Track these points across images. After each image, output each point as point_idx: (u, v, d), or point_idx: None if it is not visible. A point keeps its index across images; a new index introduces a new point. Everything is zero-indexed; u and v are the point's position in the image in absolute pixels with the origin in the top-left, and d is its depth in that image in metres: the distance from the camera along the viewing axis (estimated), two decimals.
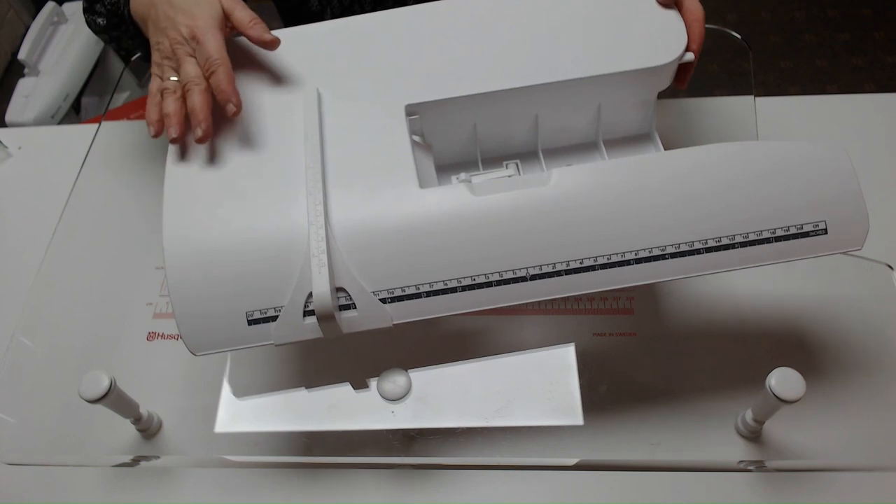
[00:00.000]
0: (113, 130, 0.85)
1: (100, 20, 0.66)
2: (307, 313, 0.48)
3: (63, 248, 0.69)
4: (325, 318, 0.47)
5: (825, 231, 0.49)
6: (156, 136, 0.54)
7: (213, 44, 0.53)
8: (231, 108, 0.53)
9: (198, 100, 0.52)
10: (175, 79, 0.54)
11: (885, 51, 1.85)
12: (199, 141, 0.52)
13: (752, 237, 0.49)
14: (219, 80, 0.52)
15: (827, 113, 0.82)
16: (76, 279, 0.73)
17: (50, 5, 1.56)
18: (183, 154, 0.54)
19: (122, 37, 0.67)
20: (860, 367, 0.61)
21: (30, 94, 1.48)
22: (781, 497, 0.57)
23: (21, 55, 1.49)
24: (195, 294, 0.49)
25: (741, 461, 0.57)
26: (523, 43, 0.58)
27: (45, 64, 1.53)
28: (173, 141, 0.53)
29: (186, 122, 0.54)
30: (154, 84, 0.56)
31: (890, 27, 1.90)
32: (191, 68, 0.53)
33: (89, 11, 0.67)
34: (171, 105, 0.53)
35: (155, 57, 0.56)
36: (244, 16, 0.56)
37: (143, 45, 0.63)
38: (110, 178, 0.81)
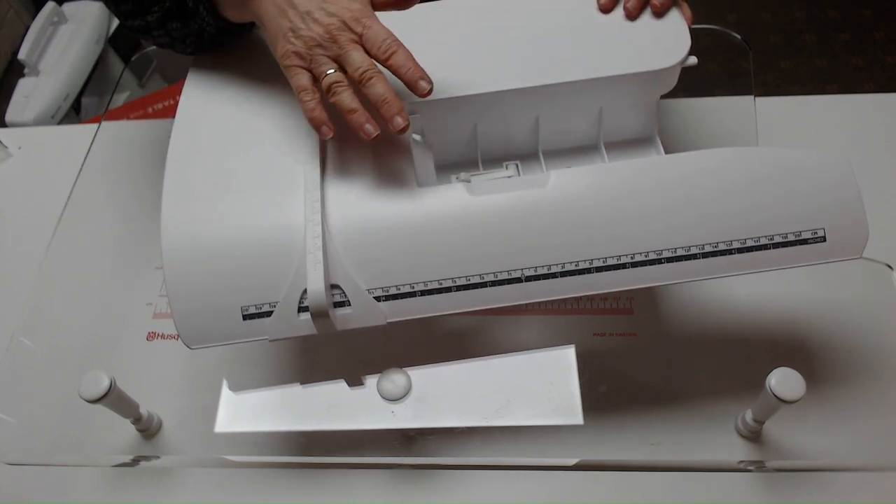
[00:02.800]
0: (113, 130, 0.85)
1: (154, 12, 0.57)
2: (302, 309, 0.48)
3: (63, 249, 0.69)
4: (320, 315, 0.47)
5: (824, 239, 0.49)
6: (331, 136, 0.50)
7: (381, 26, 0.49)
8: (424, 85, 0.48)
9: (384, 88, 0.48)
10: (333, 70, 0.49)
11: (885, 51, 1.85)
12: (401, 131, 0.48)
13: (749, 243, 0.49)
14: (403, 58, 0.48)
15: (827, 113, 0.82)
16: (76, 279, 0.73)
17: (50, 5, 1.56)
18: (183, 149, 0.54)
19: (183, 26, 0.58)
20: (860, 368, 0.61)
21: (30, 94, 1.48)
22: (781, 497, 0.57)
23: (21, 55, 1.49)
24: (191, 287, 0.49)
25: (741, 461, 0.57)
26: (525, 44, 0.58)
27: (45, 64, 1.53)
28: (375, 139, 0.48)
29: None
30: (302, 79, 0.50)
31: (890, 27, 1.89)
32: (360, 56, 0.48)
33: (135, 15, 0.58)
34: (350, 100, 0.48)
35: (293, 45, 0.50)
36: None
37: (203, 34, 0.57)
38: (110, 178, 0.81)
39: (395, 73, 0.49)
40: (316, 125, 0.49)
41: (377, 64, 0.49)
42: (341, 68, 0.49)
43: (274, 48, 0.52)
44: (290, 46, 0.50)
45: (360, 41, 0.49)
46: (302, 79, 0.50)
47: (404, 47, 0.49)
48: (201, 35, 0.58)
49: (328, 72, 0.49)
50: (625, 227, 0.49)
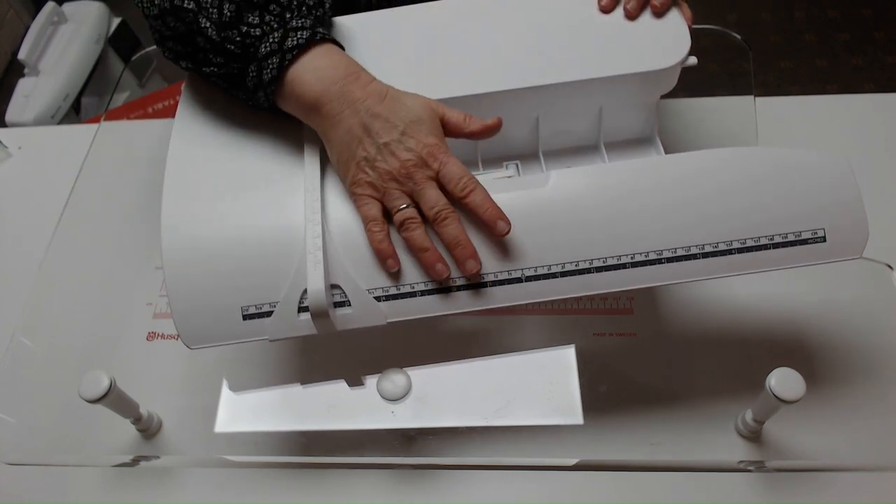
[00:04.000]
0: (113, 130, 0.85)
1: (207, 69, 0.54)
2: (302, 309, 0.48)
3: (63, 249, 0.69)
4: (320, 315, 0.47)
5: (824, 239, 0.49)
6: (397, 269, 0.49)
7: (457, 163, 0.49)
8: (503, 226, 0.47)
9: (459, 229, 0.48)
10: (406, 206, 0.49)
11: (885, 51, 1.85)
12: (473, 276, 0.48)
13: (749, 243, 0.49)
14: (481, 198, 0.48)
15: (827, 113, 0.81)
16: (76, 279, 0.73)
17: (50, 5, 1.56)
18: (183, 150, 0.54)
19: (230, 87, 0.55)
20: (860, 367, 0.61)
21: (30, 94, 1.48)
22: (781, 497, 0.57)
23: (21, 55, 1.49)
24: (191, 287, 0.49)
25: (741, 461, 0.57)
26: (525, 44, 0.58)
27: (45, 64, 1.53)
28: (446, 280, 0.48)
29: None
30: (373, 209, 0.49)
31: (890, 27, 1.89)
32: (435, 194, 0.48)
33: (191, 62, 0.54)
34: (423, 238, 0.48)
35: (366, 175, 0.49)
36: (457, 115, 0.51)
37: (245, 101, 0.54)
38: (110, 178, 0.81)
39: (472, 212, 0.48)
40: (382, 257, 0.49)
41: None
42: (414, 203, 0.49)
43: (342, 171, 0.51)
44: (363, 176, 0.49)
45: (436, 177, 0.49)
46: (373, 209, 0.49)
47: (481, 186, 0.49)
48: (246, 102, 0.55)
49: (402, 207, 0.49)
50: (625, 228, 0.49)
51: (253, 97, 0.53)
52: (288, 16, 0.52)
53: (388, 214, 0.50)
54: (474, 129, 0.51)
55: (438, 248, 0.49)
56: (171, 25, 0.53)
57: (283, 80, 0.51)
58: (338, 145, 0.51)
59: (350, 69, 0.51)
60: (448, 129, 0.51)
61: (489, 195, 0.48)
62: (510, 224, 0.48)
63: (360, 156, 0.49)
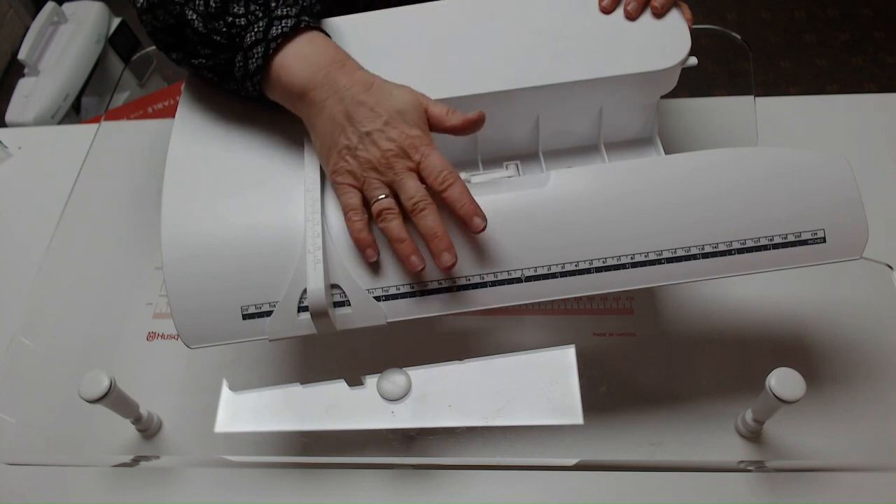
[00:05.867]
0: (113, 130, 0.85)
1: (195, 61, 0.54)
2: (301, 309, 0.48)
3: (63, 248, 0.69)
4: (319, 315, 0.47)
5: (823, 240, 0.49)
6: (376, 258, 0.49)
7: (439, 156, 0.48)
8: (478, 222, 0.47)
9: (436, 221, 0.47)
10: (384, 196, 0.48)
11: (885, 51, 1.85)
12: (448, 269, 0.47)
13: (749, 244, 0.49)
14: (459, 192, 0.47)
15: (827, 113, 0.82)
16: (76, 279, 0.73)
17: (50, 5, 1.56)
18: (183, 149, 0.54)
19: (222, 81, 0.55)
20: (860, 368, 0.61)
21: (30, 94, 1.48)
22: (781, 497, 0.57)
23: (21, 55, 1.49)
24: (191, 287, 0.49)
25: (741, 461, 0.57)
26: (526, 44, 0.58)
27: (45, 64, 1.53)
28: (420, 272, 0.48)
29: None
30: (353, 198, 0.49)
31: (890, 27, 1.90)
32: (414, 185, 0.48)
33: (181, 62, 0.55)
34: (399, 229, 0.47)
35: (347, 164, 0.49)
36: (440, 108, 0.51)
37: (234, 90, 0.55)
38: (110, 178, 0.81)
39: (449, 206, 0.48)
40: (361, 246, 0.48)
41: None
42: (393, 194, 0.49)
43: (323, 159, 0.51)
44: (344, 164, 0.49)
45: (417, 169, 0.48)
46: (352, 198, 0.49)
47: (461, 181, 0.48)
48: (238, 94, 0.56)
49: (380, 197, 0.48)
50: (625, 228, 0.49)
51: (242, 87, 0.53)
52: (273, 5, 0.52)
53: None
54: (455, 124, 0.50)
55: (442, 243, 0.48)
56: (160, 18, 0.53)
57: (270, 69, 0.51)
58: (321, 133, 0.50)
59: (336, 56, 0.51)
60: (431, 123, 0.51)
61: (468, 191, 0.48)
62: (486, 221, 0.47)
63: (342, 144, 0.49)
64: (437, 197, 0.48)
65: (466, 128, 0.51)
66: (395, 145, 0.48)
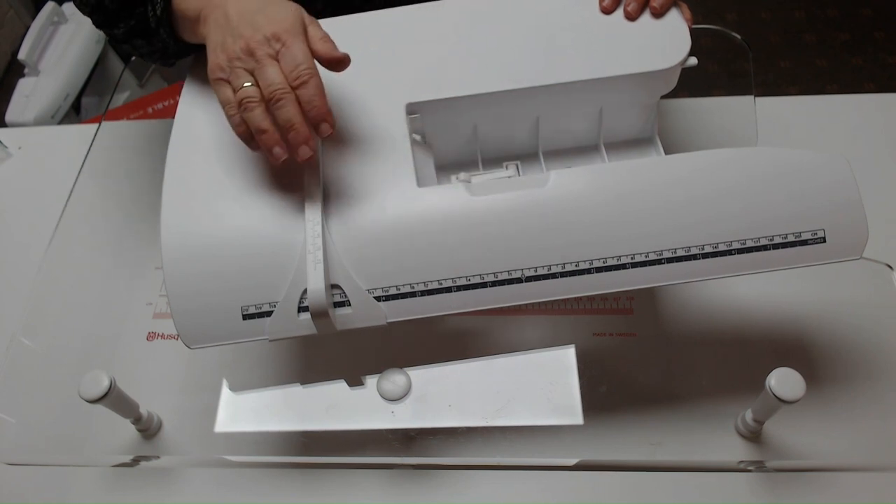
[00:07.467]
0: (113, 130, 0.85)
1: (120, 28, 0.58)
2: (302, 309, 0.48)
3: (63, 248, 0.69)
4: (320, 315, 0.47)
5: (823, 240, 0.49)
6: (257, 150, 0.48)
7: (302, 49, 0.46)
8: (326, 128, 0.46)
9: (293, 112, 0.45)
10: (249, 84, 0.46)
11: (885, 51, 1.85)
12: (306, 161, 0.46)
13: (749, 244, 0.49)
14: (311, 93, 0.45)
15: (827, 113, 0.82)
16: (76, 279, 0.73)
17: (50, 5, 1.56)
18: (183, 149, 0.54)
19: (147, 43, 0.58)
20: (860, 368, 0.61)
21: (30, 94, 1.48)
22: (781, 497, 0.57)
23: (21, 55, 1.49)
24: (191, 287, 0.49)
25: (741, 461, 0.57)
26: (526, 44, 0.58)
27: (45, 64, 1.53)
28: (281, 163, 0.46)
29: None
30: (226, 92, 0.47)
31: (890, 27, 1.89)
32: (273, 72, 0.46)
33: (103, 27, 0.60)
34: (261, 118, 0.45)
35: (218, 58, 0.48)
36: (317, 31, 0.49)
37: (167, 51, 0.59)
38: (110, 178, 0.81)
39: (301, 105, 0.46)
40: (244, 140, 0.47)
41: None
42: (258, 83, 0.47)
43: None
44: (215, 59, 0.48)
45: (277, 58, 0.47)
46: (225, 92, 0.47)
47: (318, 77, 0.46)
48: (166, 51, 0.59)
49: (244, 84, 0.46)
50: (625, 228, 0.49)
51: (159, 38, 0.56)
52: None
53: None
54: (320, 49, 0.48)
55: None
56: (85, 2, 0.59)
57: (173, 9, 0.55)
58: (209, 45, 0.50)
59: None
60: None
61: (323, 91, 0.46)
62: (334, 126, 0.46)
63: (216, 41, 0.49)
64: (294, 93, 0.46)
65: (328, 61, 0.48)
66: (260, 34, 0.47)
